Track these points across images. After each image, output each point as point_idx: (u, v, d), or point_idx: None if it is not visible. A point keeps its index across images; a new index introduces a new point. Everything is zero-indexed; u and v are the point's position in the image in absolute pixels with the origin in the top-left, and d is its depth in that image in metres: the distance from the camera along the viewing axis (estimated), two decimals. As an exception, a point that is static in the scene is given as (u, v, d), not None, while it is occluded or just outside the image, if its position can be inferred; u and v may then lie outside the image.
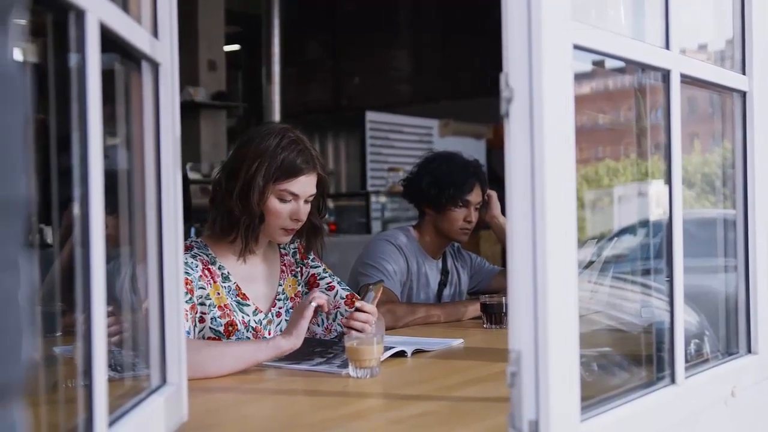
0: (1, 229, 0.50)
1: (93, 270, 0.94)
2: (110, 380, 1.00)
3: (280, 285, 2.19)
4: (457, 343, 2.23)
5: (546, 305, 1.07)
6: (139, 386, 1.25)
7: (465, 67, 8.29)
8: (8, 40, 0.53)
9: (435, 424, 1.42)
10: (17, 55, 0.54)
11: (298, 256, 2.26)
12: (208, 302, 2.01)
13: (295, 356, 1.97)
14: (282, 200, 2.04)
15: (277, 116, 7.38)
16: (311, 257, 2.27)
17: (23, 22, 0.57)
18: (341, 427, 1.43)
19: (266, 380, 1.82)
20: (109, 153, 1.04)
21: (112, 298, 1.06)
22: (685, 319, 1.45)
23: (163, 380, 1.28)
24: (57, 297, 1.60)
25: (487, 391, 1.66)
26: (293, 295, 2.22)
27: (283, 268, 2.22)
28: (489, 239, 5.84)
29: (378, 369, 1.78)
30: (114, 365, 1.22)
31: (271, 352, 1.84)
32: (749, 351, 1.70)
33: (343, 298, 2.21)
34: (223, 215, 2.06)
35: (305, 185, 2.05)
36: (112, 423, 1.02)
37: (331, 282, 2.24)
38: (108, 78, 1.02)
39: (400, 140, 7.70)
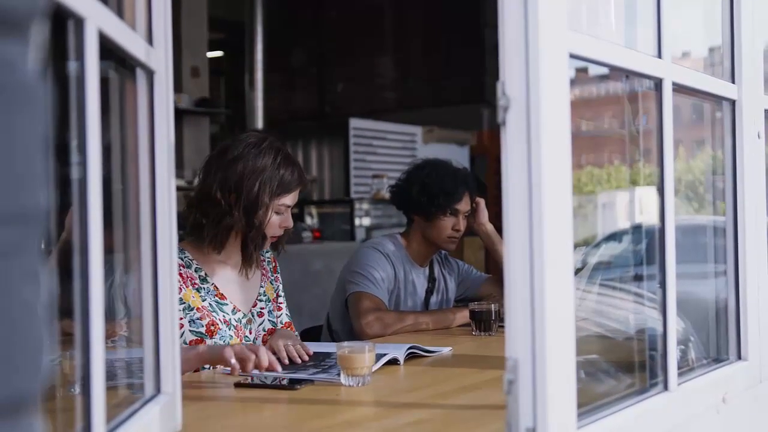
0: (22, 240, 0.49)
1: (91, 279, 0.93)
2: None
3: (262, 287, 2.28)
4: (447, 351, 2.23)
5: (543, 313, 1.07)
6: (132, 396, 1.24)
7: (449, 74, 8.31)
8: (28, 51, 0.53)
9: (430, 432, 1.42)
10: (37, 65, 0.54)
11: (270, 267, 2.35)
12: (182, 306, 2.06)
13: (290, 367, 1.96)
14: (278, 213, 2.15)
15: (260, 123, 7.36)
16: (278, 273, 2.38)
17: (42, 33, 0.57)
18: (335, 435, 1.43)
19: (259, 389, 1.81)
20: (102, 160, 1.03)
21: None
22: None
23: (158, 390, 1.27)
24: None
25: (481, 398, 1.66)
26: (272, 299, 2.31)
27: (264, 272, 2.31)
28: (473, 245, 5.83)
29: (369, 377, 1.77)
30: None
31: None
32: (739, 357, 1.71)
33: (283, 324, 2.32)
34: (222, 230, 2.10)
35: (296, 196, 2.20)
36: (108, 433, 1.01)
37: (282, 304, 2.36)
38: (103, 85, 1.01)
39: (384, 147, 7.69)
